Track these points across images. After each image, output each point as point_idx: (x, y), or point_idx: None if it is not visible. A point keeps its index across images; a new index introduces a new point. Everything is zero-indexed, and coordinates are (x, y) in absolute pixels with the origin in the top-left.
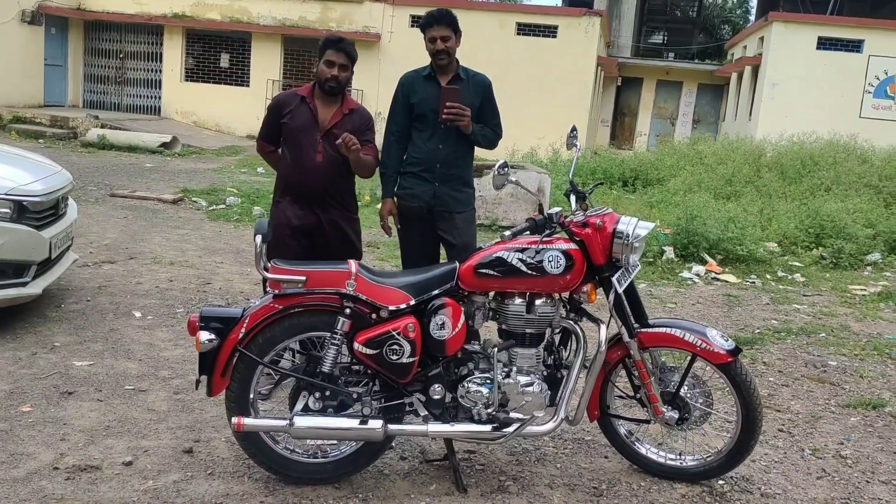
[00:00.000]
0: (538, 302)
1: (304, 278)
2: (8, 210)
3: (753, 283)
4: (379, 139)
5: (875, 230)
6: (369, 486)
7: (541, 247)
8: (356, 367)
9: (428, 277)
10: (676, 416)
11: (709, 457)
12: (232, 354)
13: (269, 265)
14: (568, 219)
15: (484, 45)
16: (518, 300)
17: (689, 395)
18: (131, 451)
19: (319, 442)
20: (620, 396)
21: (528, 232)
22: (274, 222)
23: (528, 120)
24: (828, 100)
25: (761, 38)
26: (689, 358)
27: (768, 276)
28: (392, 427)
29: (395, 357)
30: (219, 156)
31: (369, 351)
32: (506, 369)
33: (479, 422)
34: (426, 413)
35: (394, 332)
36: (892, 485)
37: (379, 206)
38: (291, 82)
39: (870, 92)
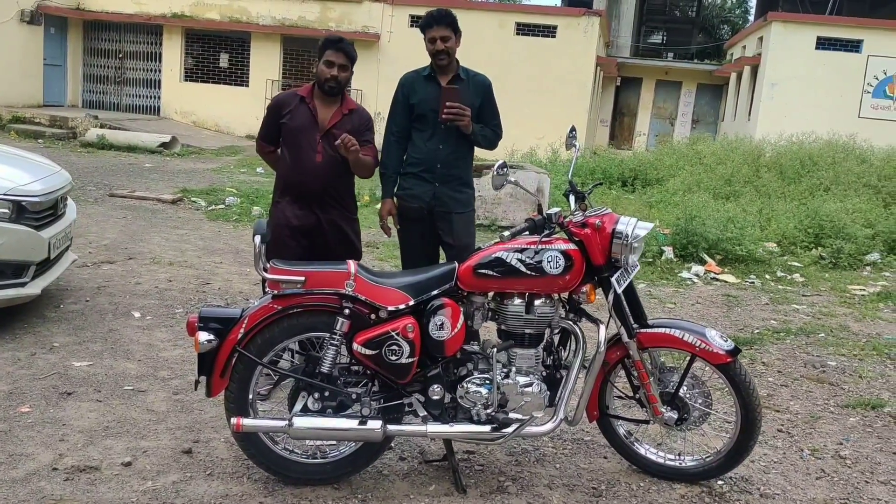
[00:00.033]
0: (537, 302)
1: (303, 279)
2: (7, 210)
3: (752, 283)
4: (378, 139)
5: (874, 230)
6: (368, 487)
7: (540, 247)
8: (355, 368)
9: (427, 278)
10: (675, 416)
11: (708, 457)
12: (231, 355)
13: (268, 265)
14: (567, 219)
15: (483, 45)
16: (517, 300)
17: (688, 396)
18: (130, 452)
19: (318, 442)
20: (620, 397)
21: (527, 232)
22: (273, 222)
23: (527, 120)
24: (827, 100)
25: (760, 38)
26: (688, 358)
27: (767, 277)
28: (391, 427)
29: (394, 357)
30: (218, 156)
31: (368, 351)
32: (505, 370)
33: (479, 422)
34: (425, 413)
35: (393, 333)
36: (891, 485)
37: (378, 206)
38: (291, 82)
39: (869, 92)
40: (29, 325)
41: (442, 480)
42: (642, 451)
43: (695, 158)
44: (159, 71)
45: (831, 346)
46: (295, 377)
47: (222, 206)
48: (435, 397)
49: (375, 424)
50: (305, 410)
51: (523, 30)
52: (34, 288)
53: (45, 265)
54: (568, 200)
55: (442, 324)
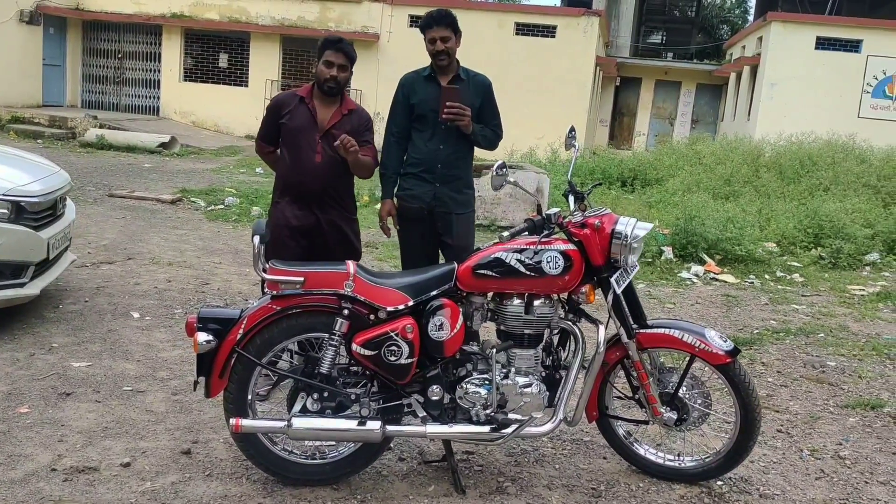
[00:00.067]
0: (537, 303)
1: (302, 279)
2: (6, 211)
3: (752, 283)
4: (378, 140)
5: (873, 230)
6: (367, 488)
7: (539, 247)
8: (354, 369)
9: (426, 278)
10: (675, 416)
11: (707, 458)
12: (230, 355)
13: (268, 266)
14: (566, 219)
15: (482, 45)
16: (516, 301)
17: (687, 396)
18: (129, 453)
19: (317, 443)
20: (619, 397)
21: (526, 233)
22: (273, 223)
23: (526, 120)
24: (826, 100)
25: (760, 38)
26: (687, 359)
27: (767, 277)
28: (390, 428)
29: (393, 358)
30: (217, 156)
31: (367, 352)
32: (504, 370)
33: (478, 423)
34: (424, 414)
35: (392, 333)
36: (891, 485)
37: (378, 206)
38: (290, 82)
39: (868, 92)
40: (28, 325)
41: (441, 481)
42: (642, 452)
43: (694, 158)
44: (158, 71)
45: (831, 347)
46: (294, 378)
47: (221, 206)
48: (434, 398)
49: (374, 425)
50: (304, 411)
51: (522, 30)
52: (33, 288)
53: (43, 265)
54: (567, 201)
55: (441, 324)
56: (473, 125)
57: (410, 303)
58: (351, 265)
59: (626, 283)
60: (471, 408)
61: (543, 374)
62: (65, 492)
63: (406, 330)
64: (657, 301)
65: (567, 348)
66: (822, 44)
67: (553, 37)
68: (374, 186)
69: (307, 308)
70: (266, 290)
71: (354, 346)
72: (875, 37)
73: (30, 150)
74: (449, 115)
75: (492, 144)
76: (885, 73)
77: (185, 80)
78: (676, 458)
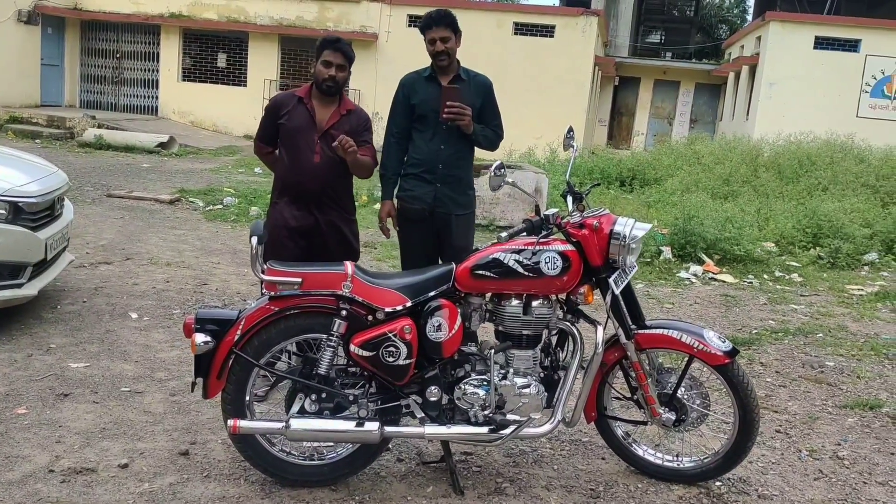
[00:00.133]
0: (535, 303)
1: (300, 280)
2: (3, 211)
3: (751, 283)
4: (377, 140)
5: (872, 230)
6: (366, 489)
7: (537, 248)
8: (352, 369)
9: (424, 279)
10: (673, 417)
11: (706, 458)
12: (228, 356)
13: (266, 267)
14: (565, 220)
15: (481, 44)
16: (515, 302)
17: (686, 397)
18: (127, 454)
19: (316, 444)
20: (617, 398)
21: (524, 233)
22: (271, 223)
23: (525, 120)
24: (825, 99)
25: (758, 38)
26: (686, 359)
27: (766, 276)
28: (388, 429)
29: (391, 359)
30: (216, 156)
31: (366, 353)
32: (502, 371)
33: (476, 424)
34: (423, 415)
35: (390, 334)
36: (889, 486)
37: (377, 206)
38: (289, 82)
39: (867, 91)
40: (25, 326)
41: (439, 482)
42: (640, 453)
43: (693, 158)
44: (157, 71)
45: (829, 347)
46: (292, 379)
47: (220, 206)
48: (432, 399)
49: (373, 426)
50: (302, 412)
51: (521, 30)
52: (31, 289)
53: (41, 266)
54: (566, 201)
55: (439, 325)
56: (474, 125)
57: (408, 304)
58: (349, 266)
59: (625, 283)
60: (469, 409)
61: (542, 374)
62: (62, 493)
63: (404, 331)
64: (656, 301)
65: (565, 349)
66: (821, 43)
67: (552, 36)
68: (372, 186)
69: (305, 309)
70: (264, 290)
71: (352, 347)
72: (874, 36)
73: (28, 150)
74: (449, 115)
75: (493, 145)
76: (883, 73)
77: (184, 80)
78: (675, 458)
